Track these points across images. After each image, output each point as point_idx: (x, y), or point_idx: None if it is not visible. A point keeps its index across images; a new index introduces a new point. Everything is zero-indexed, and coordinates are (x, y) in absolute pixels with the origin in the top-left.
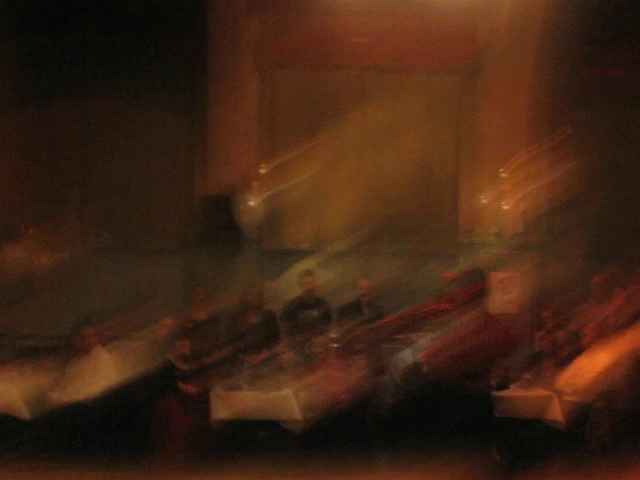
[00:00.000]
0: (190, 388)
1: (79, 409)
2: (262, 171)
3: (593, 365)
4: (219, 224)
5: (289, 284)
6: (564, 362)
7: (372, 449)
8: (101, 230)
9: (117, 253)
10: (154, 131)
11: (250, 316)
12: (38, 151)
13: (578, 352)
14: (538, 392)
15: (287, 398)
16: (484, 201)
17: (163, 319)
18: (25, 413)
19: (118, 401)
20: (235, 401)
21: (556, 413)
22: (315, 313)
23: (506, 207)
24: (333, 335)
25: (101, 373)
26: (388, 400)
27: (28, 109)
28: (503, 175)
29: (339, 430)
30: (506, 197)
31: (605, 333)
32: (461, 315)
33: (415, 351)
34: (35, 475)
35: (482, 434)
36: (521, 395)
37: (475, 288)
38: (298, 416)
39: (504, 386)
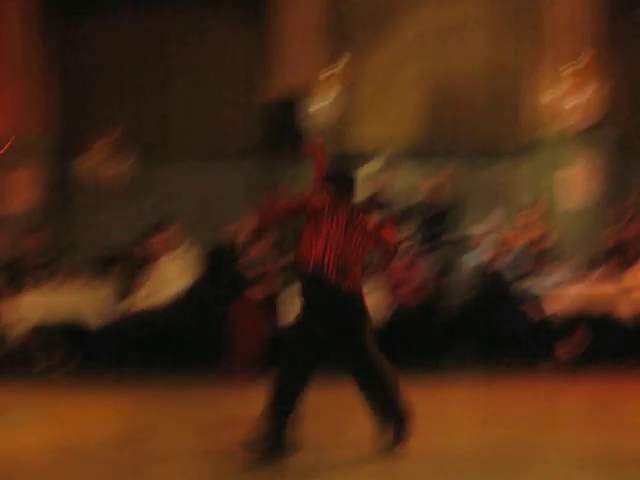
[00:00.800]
0: (260, 293)
1: (149, 317)
2: (325, 75)
3: None
4: (283, 129)
5: (363, 184)
6: (634, 259)
7: (438, 353)
8: (173, 136)
9: (189, 158)
10: (218, 37)
11: None
12: (113, 58)
13: None
14: (606, 289)
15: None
16: (549, 99)
17: (234, 224)
18: (94, 323)
19: (188, 308)
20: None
21: (624, 310)
22: (395, 207)
23: (572, 104)
24: (407, 233)
25: (172, 279)
26: (454, 302)
27: (105, 20)
28: (567, 73)
29: (405, 333)
30: (571, 94)
31: None
32: None
33: (480, 252)
34: (106, 385)
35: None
36: (588, 292)
37: None
38: (378, 312)
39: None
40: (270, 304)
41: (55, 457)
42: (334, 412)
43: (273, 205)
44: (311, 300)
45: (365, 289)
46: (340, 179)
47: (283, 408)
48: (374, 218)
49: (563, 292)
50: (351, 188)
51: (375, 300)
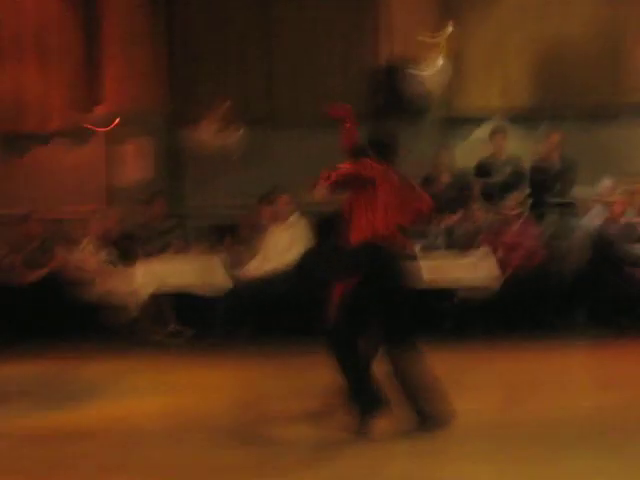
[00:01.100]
0: None
1: (262, 286)
2: (432, 42)
3: None
4: (390, 96)
5: (476, 146)
6: None
7: (552, 318)
8: (281, 103)
9: (298, 125)
10: (324, 4)
11: (441, 177)
12: (219, 29)
13: None
14: None
15: (485, 256)
16: None
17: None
18: (208, 292)
19: (300, 277)
20: (432, 262)
21: None
22: (508, 170)
23: None
24: (523, 194)
25: (284, 248)
26: (567, 266)
27: None
28: None
29: (518, 298)
30: None
31: None
32: None
33: (591, 217)
34: (220, 354)
35: None
36: None
37: None
38: (490, 275)
39: None
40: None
41: (175, 424)
42: None
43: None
44: (379, 271)
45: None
46: (384, 144)
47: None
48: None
49: None
50: (396, 151)
51: (488, 266)
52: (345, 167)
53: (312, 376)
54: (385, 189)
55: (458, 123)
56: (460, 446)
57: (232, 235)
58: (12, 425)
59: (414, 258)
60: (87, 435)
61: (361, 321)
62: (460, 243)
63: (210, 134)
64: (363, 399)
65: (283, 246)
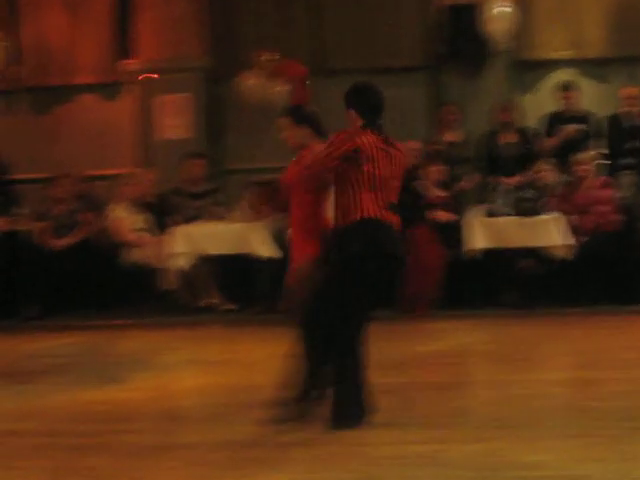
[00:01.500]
0: (441, 216)
1: None
2: None
3: None
4: (463, 36)
5: (545, 97)
6: None
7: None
8: (334, 51)
9: (353, 75)
10: None
11: (504, 135)
12: None
13: None
14: None
15: (548, 222)
16: None
17: (412, 142)
18: (258, 255)
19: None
20: (492, 228)
21: None
22: (578, 127)
23: None
24: (596, 152)
25: None
26: None
27: None
28: None
29: (604, 256)
30: None
31: None
32: None
33: None
34: (268, 324)
35: None
36: None
37: None
38: (561, 241)
39: None
40: (450, 230)
41: (217, 402)
42: None
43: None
44: (380, 248)
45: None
46: (373, 105)
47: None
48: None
49: None
50: (382, 110)
51: (559, 232)
52: (337, 144)
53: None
54: (376, 160)
55: (526, 71)
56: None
57: (277, 199)
58: (50, 401)
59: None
60: (127, 412)
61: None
62: (527, 207)
63: (254, 88)
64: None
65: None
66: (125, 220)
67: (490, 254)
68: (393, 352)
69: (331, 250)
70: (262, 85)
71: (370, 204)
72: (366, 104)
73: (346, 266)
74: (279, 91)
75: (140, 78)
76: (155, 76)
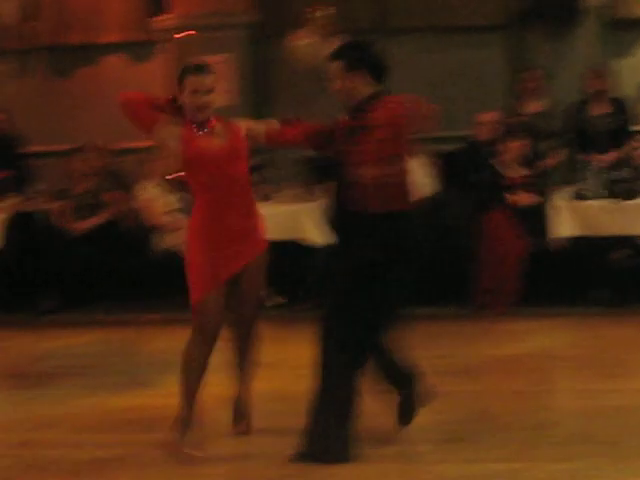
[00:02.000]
0: (523, 199)
1: None
2: None
3: None
4: None
5: (636, 70)
6: None
7: None
8: (397, 6)
9: (426, 34)
10: None
11: (594, 106)
12: None
13: None
14: None
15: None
16: None
17: (483, 115)
18: (314, 241)
19: (432, 220)
20: (581, 213)
21: None
22: None
23: None
24: None
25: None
26: None
27: None
28: None
29: None
30: None
31: None
32: None
33: None
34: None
35: None
36: None
37: None
38: None
39: None
40: (533, 215)
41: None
42: None
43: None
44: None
45: None
46: (384, 66)
47: None
48: None
49: None
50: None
51: None
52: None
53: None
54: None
55: (623, 32)
56: None
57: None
58: (71, 407)
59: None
60: (159, 421)
61: None
62: (622, 189)
63: (307, 48)
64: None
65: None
66: (157, 200)
67: (579, 243)
68: (466, 356)
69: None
70: (316, 45)
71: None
72: (380, 66)
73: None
74: (330, 50)
75: (175, 36)
76: (193, 34)
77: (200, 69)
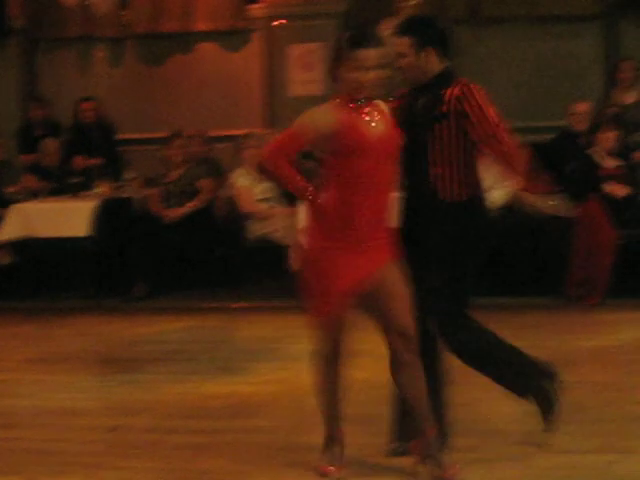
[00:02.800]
0: (618, 189)
1: None
2: None
3: None
4: None
5: None
6: None
7: None
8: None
9: (519, 24)
10: None
11: None
12: None
13: None
14: None
15: None
16: None
17: (577, 105)
18: None
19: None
20: None
21: None
22: None
23: None
24: None
25: (496, 175)
26: None
27: None
28: None
29: None
30: None
31: None
32: None
33: None
34: None
35: None
36: None
37: None
38: None
39: None
40: (626, 206)
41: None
42: None
43: None
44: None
45: None
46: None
47: None
48: None
49: None
50: None
51: None
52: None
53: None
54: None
55: None
56: None
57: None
58: (161, 394)
59: None
60: (249, 408)
61: None
62: None
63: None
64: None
65: (485, 182)
66: (251, 188)
67: None
68: (558, 347)
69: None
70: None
71: None
72: (448, 42)
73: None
74: None
75: (270, 25)
76: (284, 22)
77: (367, 40)
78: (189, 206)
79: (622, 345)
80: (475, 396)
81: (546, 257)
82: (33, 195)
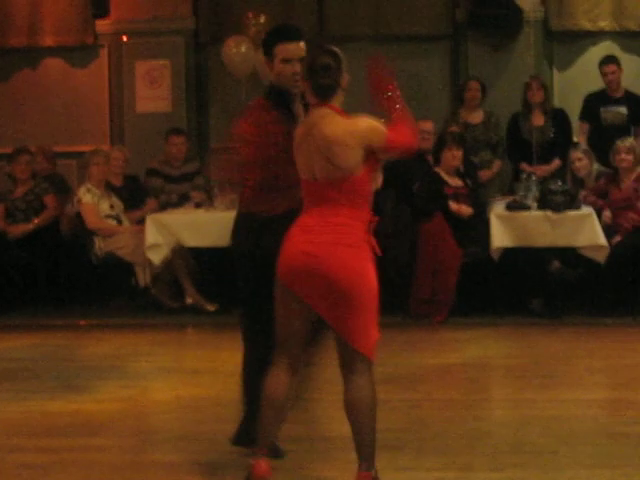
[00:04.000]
0: (464, 209)
1: None
2: None
3: None
4: (488, 1)
5: (584, 74)
6: None
7: None
8: (335, 15)
9: (356, 43)
10: None
11: (535, 117)
12: None
13: None
14: None
15: (587, 218)
16: None
17: (422, 123)
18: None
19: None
20: (521, 223)
21: None
22: (622, 110)
23: None
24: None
25: None
26: None
27: None
28: None
29: (635, 268)
30: None
31: None
32: None
33: None
34: None
35: None
36: None
37: None
38: (601, 241)
39: None
40: (470, 225)
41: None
42: None
43: None
44: None
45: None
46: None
47: None
48: None
49: None
50: None
51: (591, 231)
52: None
53: None
54: None
55: (560, 44)
56: None
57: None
58: (3, 412)
59: None
60: (93, 426)
61: None
62: (556, 201)
63: (243, 55)
64: None
65: None
66: (96, 205)
67: (514, 254)
68: (401, 364)
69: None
70: (252, 52)
71: None
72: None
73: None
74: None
75: (117, 41)
76: (129, 39)
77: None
78: (34, 222)
79: (463, 363)
80: None
81: (390, 275)
82: None
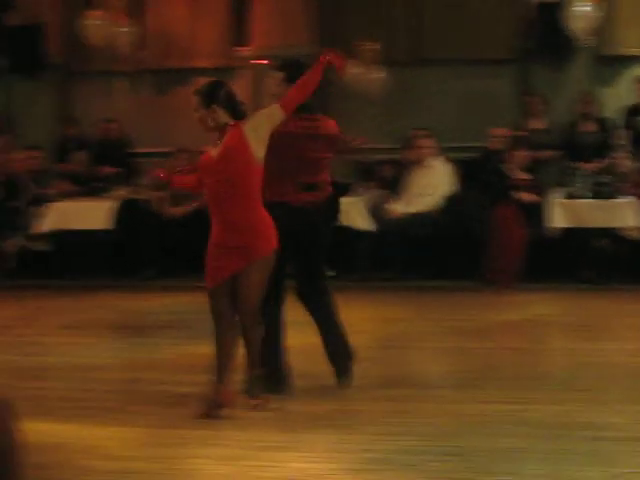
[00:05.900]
0: (527, 197)
1: (416, 220)
2: None
3: None
4: (549, 32)
5: (625, 91)
6: None
7: None
8: (430, 42)
9: (447, 65)
10: None
11: (584, 124)
12: None
13: None
14: None
15: (629, 205)
16: None
17: (495, 130)
18: (366, 225)
19: (453, 212)
20: (574, 208)
21: None
22: None
23: None
24: None
25: (436, 184)
26: None
27: None
28: None
29: None
30: None
31: None
32: None
33: None
34: (364, 291)
35: None
36: None
37: None
38: (634, 223)
39: None
40: (533, 210)
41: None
42: None
43: None
44: None
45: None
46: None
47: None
48: None
49: None
50: None
51: (633, 215)
52: None
53: (457, 315)
54: None
55: (606, 66)
56: None
57: (380, 173)
58: (170, 352)
59: None
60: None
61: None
62: (603, 191)
63: (355, 75)
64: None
65: (425, 189)
66: None
67: (569, 233)
68: (477, 320)
69: None
70: (363, 73)
71: None
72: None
73: None
74: (376, 79)
75: (251, 62)
76: (265, 62)
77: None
78: (193, 205)
79: (527, 320)
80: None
81: (470, 248)
82: (66, 196)
